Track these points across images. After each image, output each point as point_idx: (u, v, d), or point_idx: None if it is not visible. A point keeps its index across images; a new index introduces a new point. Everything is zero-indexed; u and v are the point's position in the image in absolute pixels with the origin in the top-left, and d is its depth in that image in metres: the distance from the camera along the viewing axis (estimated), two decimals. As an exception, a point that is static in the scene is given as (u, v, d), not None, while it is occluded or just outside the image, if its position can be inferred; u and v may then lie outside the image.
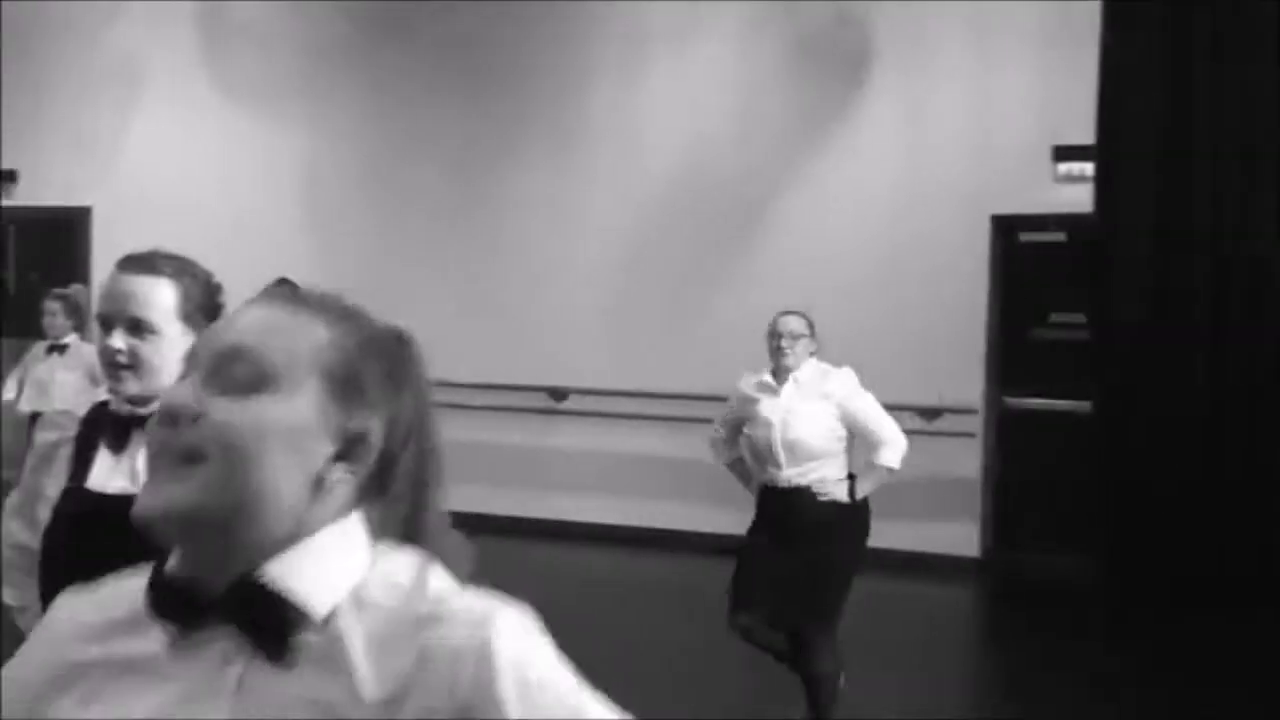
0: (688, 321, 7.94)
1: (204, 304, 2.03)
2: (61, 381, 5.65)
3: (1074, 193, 7.04)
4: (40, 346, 6.03)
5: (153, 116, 9.21)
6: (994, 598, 7.35)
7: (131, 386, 1.94)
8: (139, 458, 1.75)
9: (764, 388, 4.14)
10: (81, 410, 2.10)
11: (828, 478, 3.99)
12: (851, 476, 4.08)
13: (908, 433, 4.29)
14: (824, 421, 4.00)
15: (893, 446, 4.02)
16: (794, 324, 4.09)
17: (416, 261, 8.52)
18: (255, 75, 8.91)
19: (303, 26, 8.78)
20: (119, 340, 1.90)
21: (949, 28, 7.40)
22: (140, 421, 1.86)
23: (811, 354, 4.11)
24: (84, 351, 5.72)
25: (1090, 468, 6.87)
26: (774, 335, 4.10)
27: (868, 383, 4.21)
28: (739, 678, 5.09)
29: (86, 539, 1.70)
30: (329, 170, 8.76)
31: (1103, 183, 6.84)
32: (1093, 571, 6.74)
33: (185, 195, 9.06)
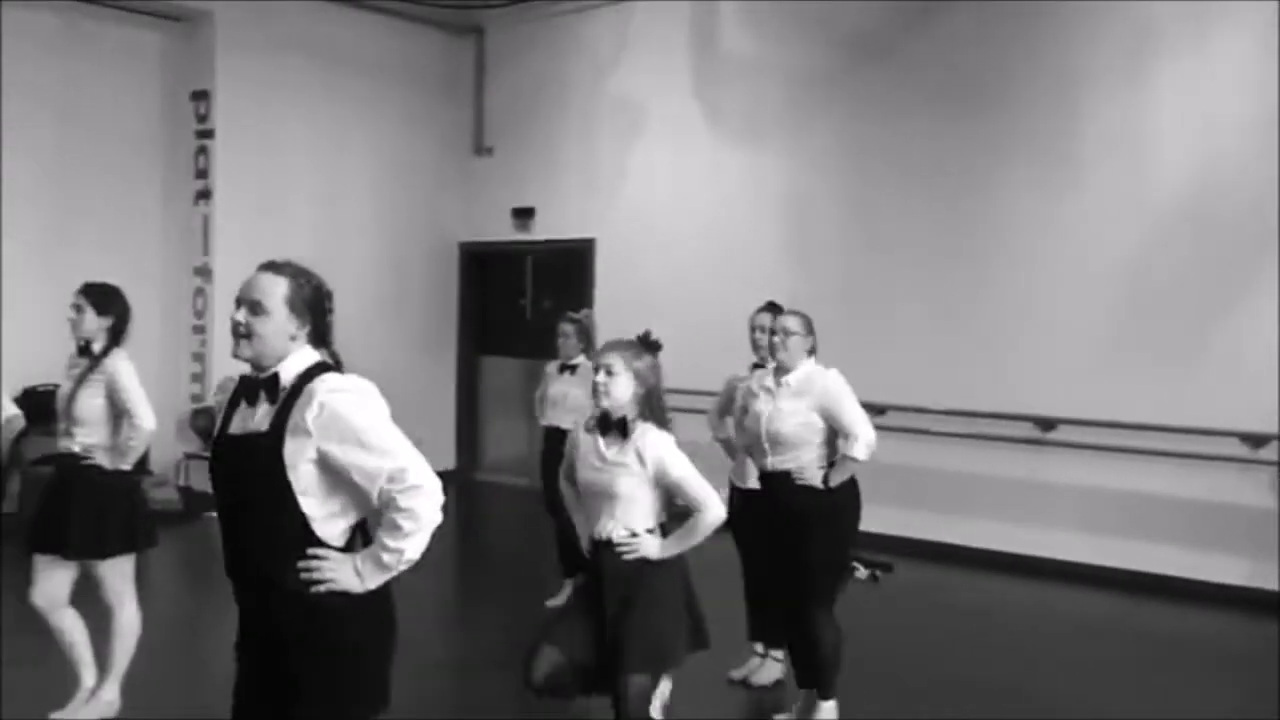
0: (1192, 352, 7.18)
1: (310, 300, 2.63)
2: (575, 398, 6.11)
3: None
4: (554, 366, 6.57)
5: (650, 151, 9.87)
6: None
7: (245, 351, 2.59)
8: (260, 410, 2.54)
9: (765, 388, 4.56)
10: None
11: (805, 465, 4.40)
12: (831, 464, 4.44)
13: None
14: (803, 417, 4.41)
15: (861, 441, 4.35)
16: (789, 322, 4.49)
17: (898, 285, 8.42)
18: (741, 103, 9.27)
19: (784, 52, 9.01)
20: (241, 315, 2.57)
21: None
22: (263, 383, 2.56)
23: (810, 352, 4.52)
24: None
25: None
26: (770, 331, 4.57)
27: None
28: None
29: (224, 468, 2.64)
30: (811, 196, 8.91)
31: None
32: None
33: (678, 225, 9.62)
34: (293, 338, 2.58)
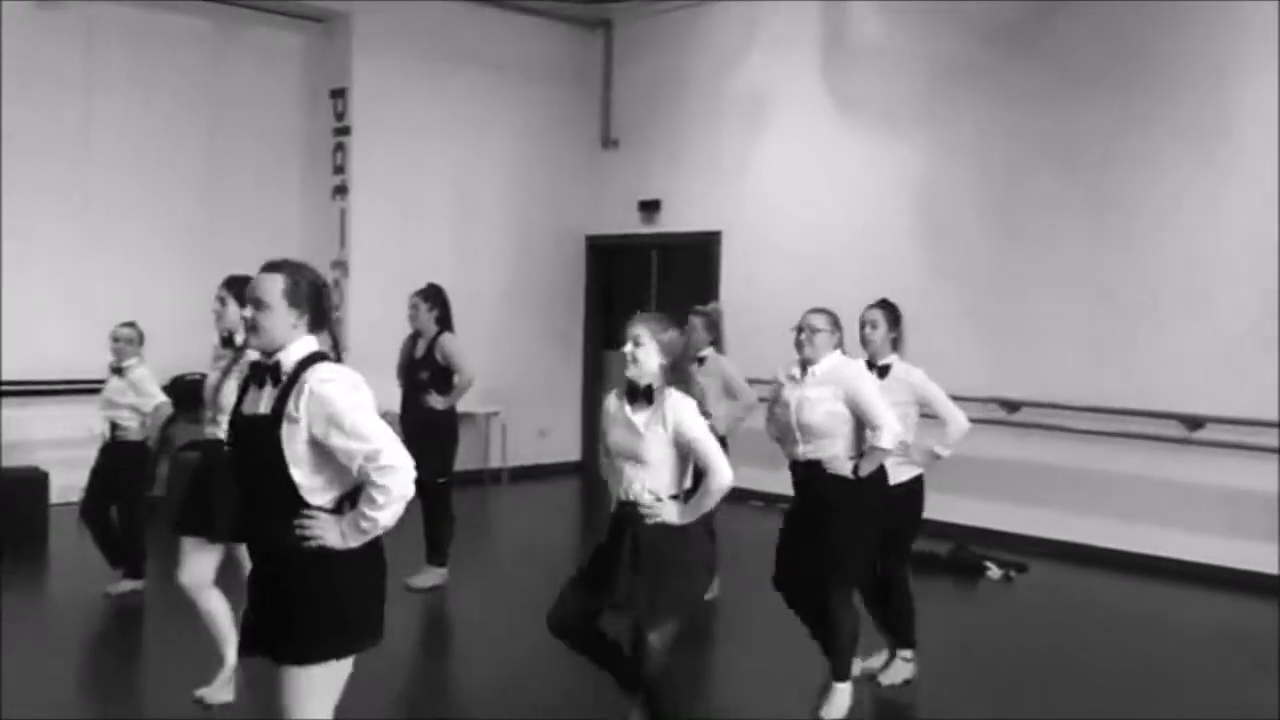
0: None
1: (307, 292, 2.96)
2: (702, 390, 6.08)
3: None
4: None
5: (777, 142, 9.78)
6: None
7: (254, 342, 2.98)
8: (265, 394, 2.92)
9: (790, 376, 4.69)
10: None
11: (836, 455, 4.50)
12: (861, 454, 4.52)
13: None
14: (831, 406, 4.49)
15: (886, 431, 4.43)
16: (814, 320, 4.62)
17: (1038, 277, 8.18)
18: (875, 94, 9.12)
19: (922, 43, 8.83)
20: (248, 312, 2.96)
21: None
22: (268, 369, 2.93)
23: (836, 347, 4.61)
24: (721, 363, 6.19)
25: None
26: (798, 330, 4.64)
27: None
28: None
29: (237, 445, 3.02)
30: (947, 184, 8.71)
31: None
32: None
33: (805, 216, 9.52)
34: (294, 327, 2.94)
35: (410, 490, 2.86)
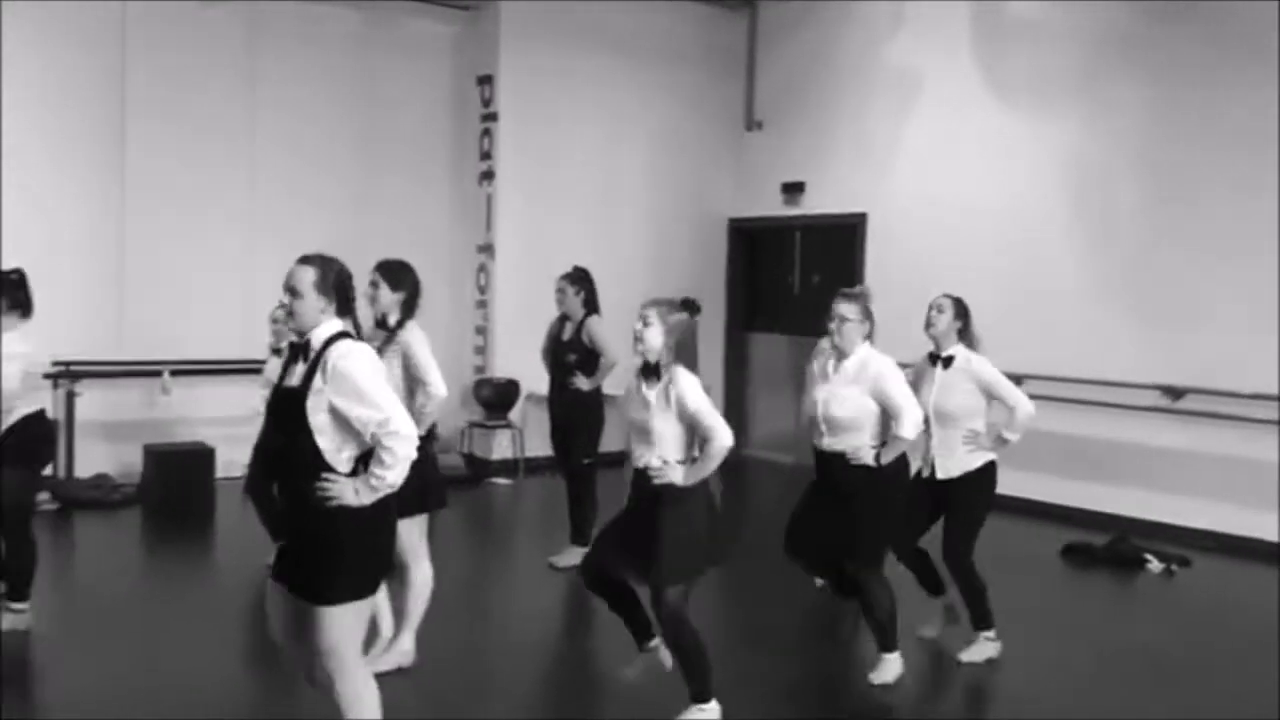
0: None
1: (334, 282, 3.42)
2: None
3: None
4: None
5: (926, 122, 9.55)
6: None
7: (291, 324, 3.47)
8: (298, 369, 3.38)
9: (822, 369, 4.89)
10: None
11: (860, 446, 4.69)
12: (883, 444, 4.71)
13: None
14: (858, 401, 4.69)
15: (908, 421, 4.60)
16: (844, 309, 4.74)
17: (1203, 255, 7.81)
18: (1028, 71, 8.82)
19: (1077, 16, 8.49)
20: (286, 298, 3.43)
21: None
22: (301, 348, 3.41)
23: (866, 337, 4.75)
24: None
25: None
26: (829, 318, 4.78)
27: None
28: None
29: (272, 410, 3.47)
30: (1103, 162, 8.38)
31: None
32: None
33: (955, 197, 9.28)
34: (321, 311, 3.40)
35: (413, 453, 3.28)
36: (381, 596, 4.85)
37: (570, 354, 6.70)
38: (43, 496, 7.44)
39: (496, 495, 9.11)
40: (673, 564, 4.09)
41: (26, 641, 5.09)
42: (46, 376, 7.49)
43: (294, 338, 3.47)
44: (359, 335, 3.48)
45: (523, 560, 5.05)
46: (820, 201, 10.39)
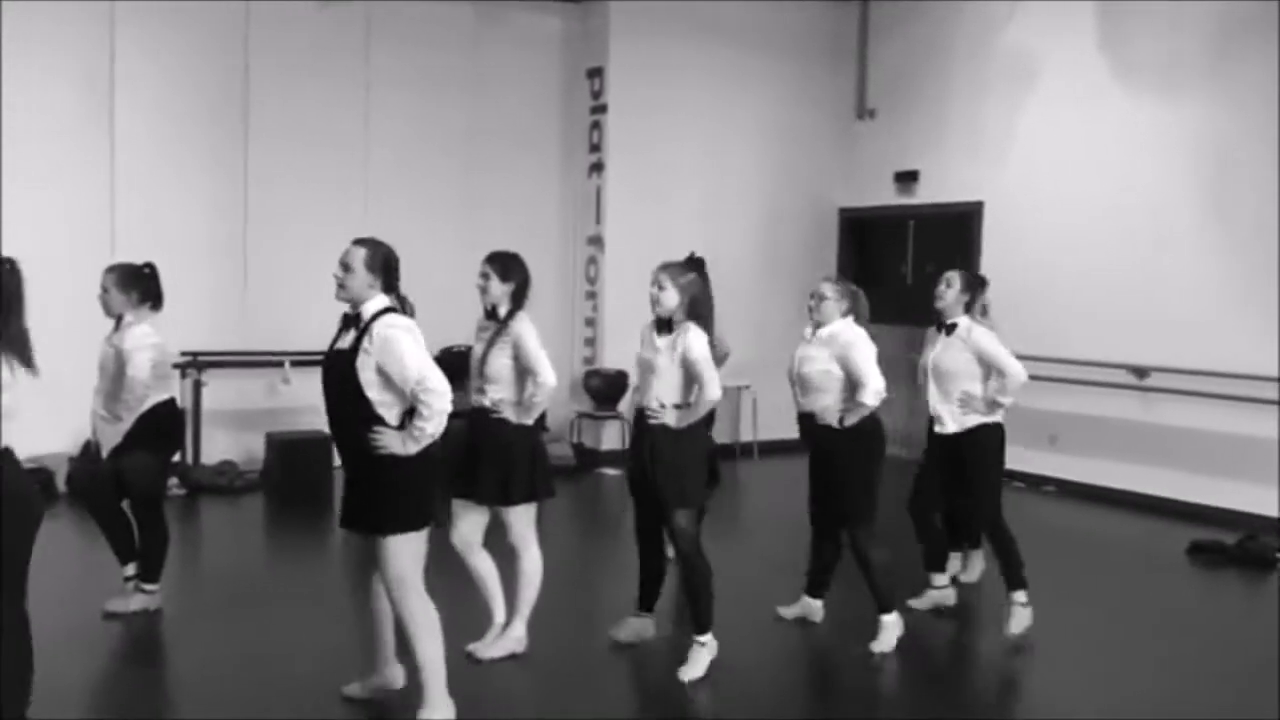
0: None
1: (382, 263, 3.98)
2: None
3: None
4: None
5: (1045, 108, 9.30)
6: None
7: (342, 295, 3.99)
8: (349, 335, 3.94)
9: (803, 336, 5.33)
10: None
11: (827, 407, 5.13)
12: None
13: None
14: (825, 365, 5.13)
15: (870, 389, 5.00)
16: (824, 288, 5.24)
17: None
18: (1154, 54, 8.52)
19: (1207, 3, 8.16)
20: (339, 272, 3.97)
21: None
22: (353, 318, 3.97)
23: (845, 315, 5.20)
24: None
25: None
26: (811, 295, 5.29)
27: None
28: None
29: (326, 368, 4.02)
30: (1234, 147, 8.05)
31: None
32: None
33: (1076, 184, 9.02)
34: (370, 286, 3.95)
35: (447, 406, 3.81)
36: (494, 584, 4.93)
37: None
38: (171, 482, 7.75)
39: (605, 485, 9.17)
40: (677, 487, 4.69)
41: (157, 620, 5.31)
42: (175, 366, 7.76)
43: (346, 308, 4.01)
44: (404, 309, 3.98)
45: (631, 550, 5.30)
46: (935, 190, 10.20)
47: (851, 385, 5.07)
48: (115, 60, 8.25)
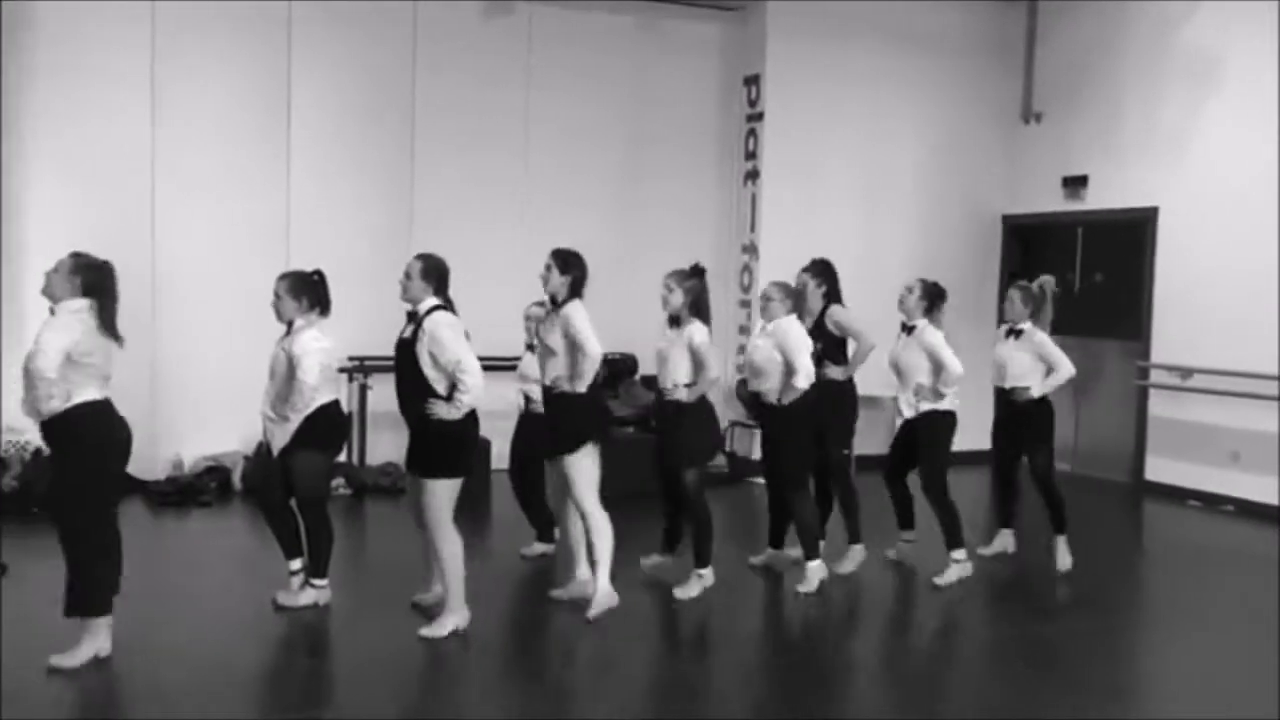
0: None
1: (435, 272, 5.12)
2: (1020, 361, 6.74)
3: None
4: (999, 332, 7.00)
5: (1227, 109, 8.85)
6: None
7: (405, 297, 5.13)
8: (410, 328, 5.13)
9: (758, 331, 6.32)
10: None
11: (770, 389, 6.10)
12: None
13: None
14: (767, 352, 6.09)
15: (802, 374, 5.96)
16: (770, 290, 6.21)
17: None
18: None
19: None
20: (402, 279, 5.13)
21: None
22: (413, 315, 5.12)
23: (790, 313, 6.15)
24: (1036, 338, 6.67)
25: None
26: (760, 296, 6.38)
27: None
28: None
29: (396, 353, 5.22)
30: None
31: None
32: None
33: (1256, 189, 8.56)
34: (424, 290, 5.09)
35: (480, 383, 4.97)
36: (576, 534, 5.78)
37: (815, 344, 6.64)
38: (337, 482, 8.05)
39: (757, 494, 9.10)
40: (687, 451, 5.83)
41: (325, 614, 5.53)
42: (342, 370, 8.09)
43: (408, 307, 5.12)
44: (451, 308, 5.11)
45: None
46: (1105, 196, 9.82)
47: (789, 371, 5.97)
48: (291, 70, 8.66)
